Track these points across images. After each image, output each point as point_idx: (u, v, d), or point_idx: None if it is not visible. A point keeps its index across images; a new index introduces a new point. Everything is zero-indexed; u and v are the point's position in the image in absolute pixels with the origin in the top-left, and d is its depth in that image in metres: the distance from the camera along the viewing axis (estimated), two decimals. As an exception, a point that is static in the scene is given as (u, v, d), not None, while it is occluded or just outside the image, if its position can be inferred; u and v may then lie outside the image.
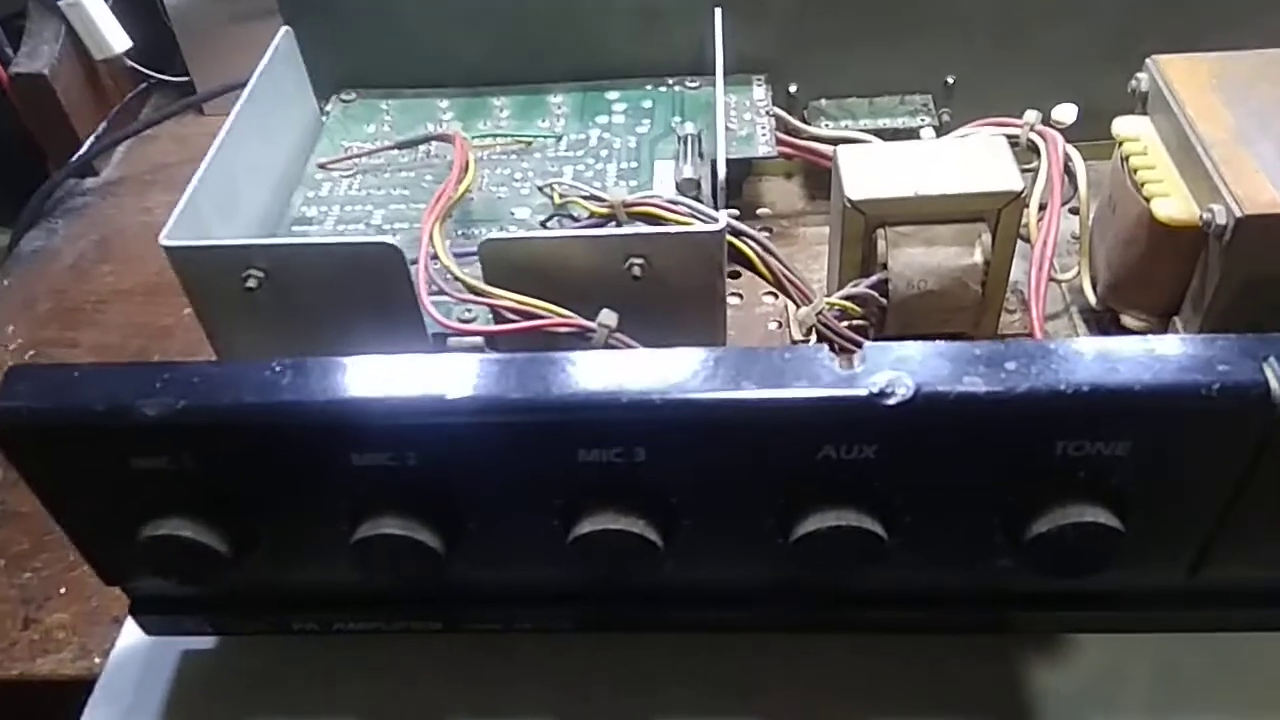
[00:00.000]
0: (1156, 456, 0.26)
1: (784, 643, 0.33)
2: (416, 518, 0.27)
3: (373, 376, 0.26)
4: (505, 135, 0.43)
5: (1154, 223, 0.35)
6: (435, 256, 0.32)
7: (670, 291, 0.33)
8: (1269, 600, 0.31)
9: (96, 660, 0.36)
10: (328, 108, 0.46)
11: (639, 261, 0.32)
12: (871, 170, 0.37)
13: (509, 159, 0.42)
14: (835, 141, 0.45)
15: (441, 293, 0.32)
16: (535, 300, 0.31)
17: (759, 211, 0.49)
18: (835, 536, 0.27)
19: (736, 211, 0.49)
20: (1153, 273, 0.37)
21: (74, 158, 0.57)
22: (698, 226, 0.32)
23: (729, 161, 0.42)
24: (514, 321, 0.31)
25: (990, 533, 0.28)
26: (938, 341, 0.27)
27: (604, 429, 0.26)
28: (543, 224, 0.39)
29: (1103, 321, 0.41)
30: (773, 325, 0.43)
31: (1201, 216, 0.34)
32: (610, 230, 0.32)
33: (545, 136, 0.43)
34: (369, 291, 0.32)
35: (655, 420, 0.26)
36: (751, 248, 0.33)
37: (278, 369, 0.27)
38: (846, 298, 0.36)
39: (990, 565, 0.29)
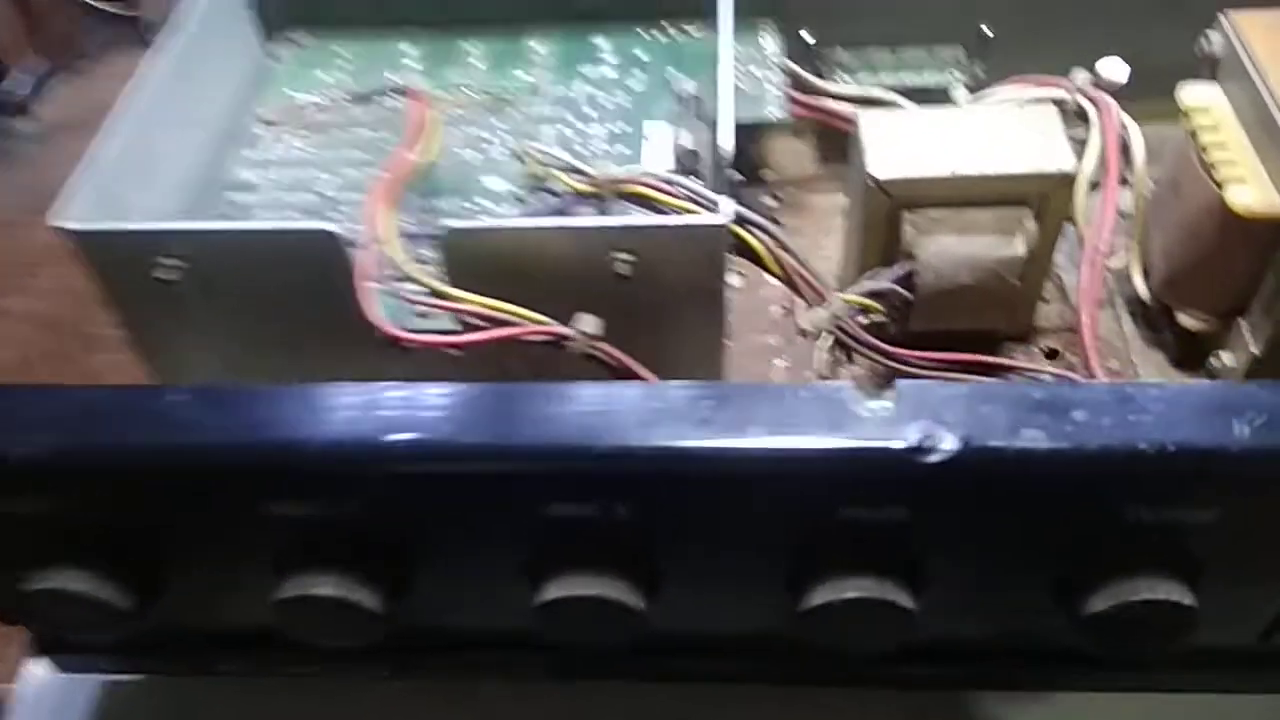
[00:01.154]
0: (1249, 525, 0.22)
1: (779, 694, 0.29)
2: (351, 575, 0.23)
3: (291, 412, 0.21)
4: (476, 90, 0.37)
5: (1226, 213, 0.30)
6: (383, 244, 0.27)
7: (663, 292, 0.28)
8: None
9: (3, 686, 0.32)
10: (276, 51, 0.40)
11: (626, 257, 0.27)
12: (899, 143, 0.32)
13: (481, 116, 0.37)
14: (854, 100, 0.39)
15: (394, 289, 0.27)
16: (502, 304, 0.26)
17: (763, 174, 0.44)
18: (854, 609, 0.22)
19: (742, 177, 0.43)
20: (1219, 269, 0.32)
21: (2, 96, 0.51)
22: (696, 218, 0.27)
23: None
24: (478, 328, 0.26)
25: (1040, 604, 0.23)
26: (988, 381, 0.23)
27: (577, 481, 0.22)
28: (518, 197, 0.34)
29: (1152, 316, 0.36)
30: (777, 311, 0.38)
31: (1287, 209, 0.29)
32: (591, 221, 0.27)
33: (523, 90, 0.38)
34: (307, 287, 0.27)
35: (640, 472, 0.21)
36: (760, 239, 0.29)
37: (174, 399, 0.22)
38: (867, 294, 0.32)
39: (1036, 634, 0.25)
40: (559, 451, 0.21)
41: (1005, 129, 0.32)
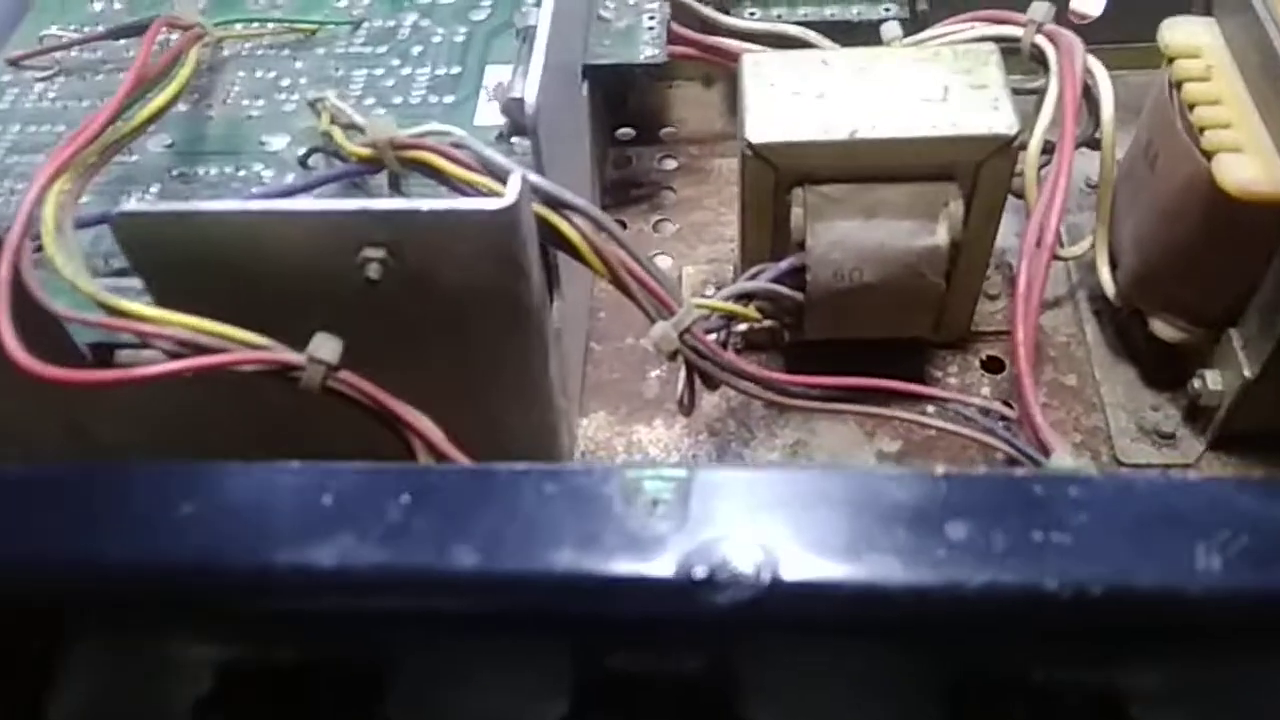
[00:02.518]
0: (1209, 688, 0.14)
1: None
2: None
3: None
4: (279, 23, 0.29)
5: (1214, 190, 0.23)
6: (45, 235, 0.20)
7: (442, 302, 0.20)
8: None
9: None
10: (45, -27, 0.32)
11: (377, 255, 0.19)
12: (788, 96, 0.25)
13: (277, 56, 0.29)
14: (760, 39, 0.32)
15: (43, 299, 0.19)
16: (202, 322, 0.19)
17: (662, 132, 0.36)
18: (639, 788, 0.15)
19: (633, 132, 0.35)
20: (1204, 263, 0.25)
21: None
22: (466, 203, 0.19)
23: (596, 70, 0.29)
24: (180, 356, 0.19)
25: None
26: (823, 470, 0.15)
27: (198, 619, 0.14)
28: (301, 161, 0.26)
29: (1122, 320, 0.29)
30: (658, 305, 0.30)
31: (1295, 191, 0.22)
32: (313, 206, 0.19)
33: (337, 23, 0.30)
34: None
35: (298, 607, 0.14)
36: (576, 229, 0.21)
37: None
38: (736, 297, 0.24)
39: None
40: (164, 575, 0.14)
41: (928, 79, 0.25)
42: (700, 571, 0.13)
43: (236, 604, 0.14)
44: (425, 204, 0.19)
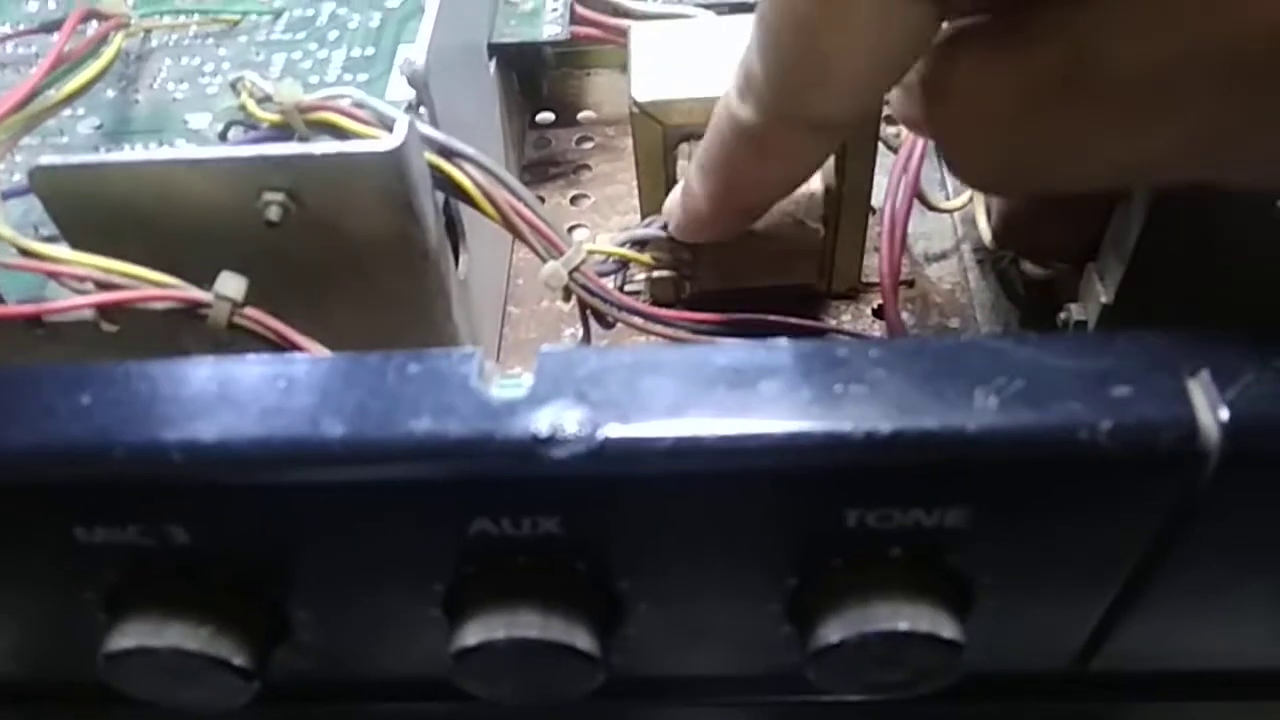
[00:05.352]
0: (1012, 528, 0.16)
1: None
2: None
3: None
4: (204, 13, 0.31)
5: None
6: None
7: (341, 247, 0.22)
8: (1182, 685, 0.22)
9: None
10: (-19, -25, 0.34)
11: (277, 199, 0.21)
12: (671, 58, 0.27)
13: (203, 45, 0.31)
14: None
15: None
16: (112, 263, 0.21)
17: (580, 116, 0.38)
18: (514, 652, 0.17)
19: (553, 116, 0.37)
20: (1060, 200, 0.27)
21: None
22: (354, 145, 0.21)
23: (503, 49, 0.31)
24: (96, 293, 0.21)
25: (764, 627, 0.18)
26: (664, 347, 0.17)
27: (98, 498, 0.16)
28: (221, 136, 0.28)
29: (1003, 267, 0.31)
30: (572, 270, 0.32)
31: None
32: (221, 152, 0.21)
33: (258, 12, 0.32)
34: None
35: (180, 482, 0.16)
36: (468, 175, 0.23)
37: None
38: (629, 244, 0.26)
39: (777, 660, 0.19)
40: (65, 454, 0.15)
41: (800, 38, 0.27)
42: (543, 431, 0.15)
43: (131, 477, 0.15)
44: (319, 147, 0.21)
